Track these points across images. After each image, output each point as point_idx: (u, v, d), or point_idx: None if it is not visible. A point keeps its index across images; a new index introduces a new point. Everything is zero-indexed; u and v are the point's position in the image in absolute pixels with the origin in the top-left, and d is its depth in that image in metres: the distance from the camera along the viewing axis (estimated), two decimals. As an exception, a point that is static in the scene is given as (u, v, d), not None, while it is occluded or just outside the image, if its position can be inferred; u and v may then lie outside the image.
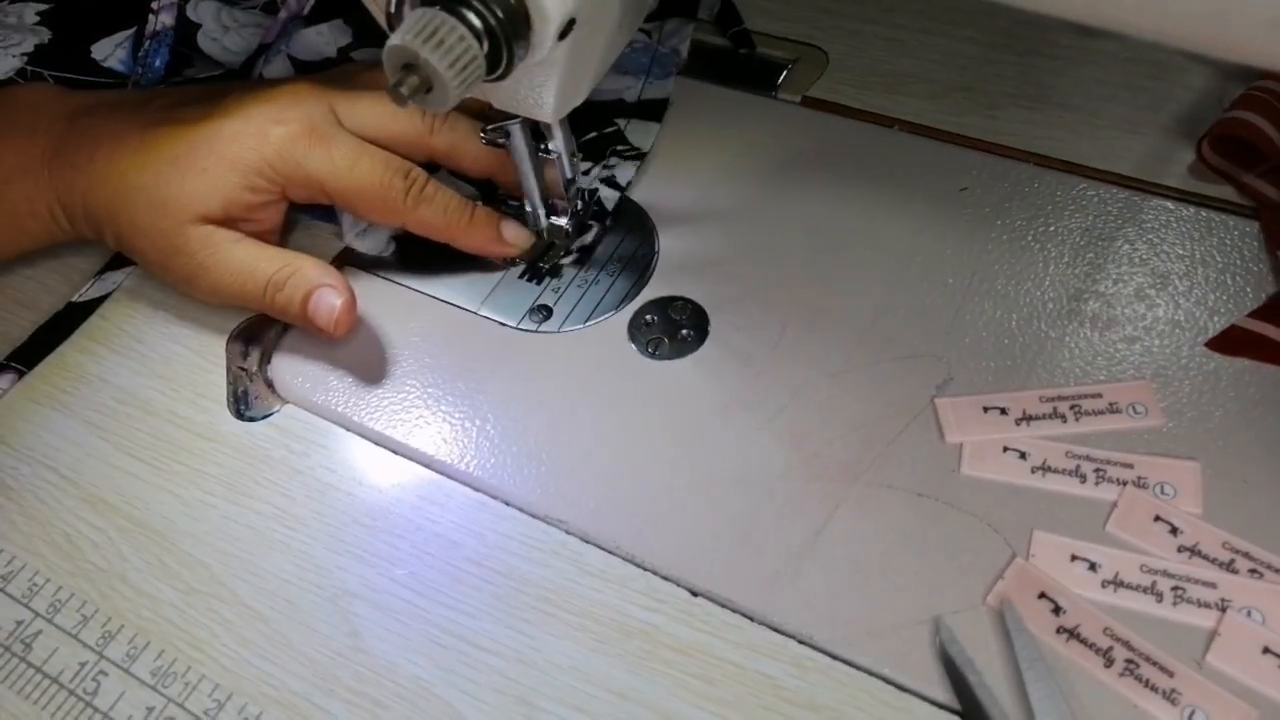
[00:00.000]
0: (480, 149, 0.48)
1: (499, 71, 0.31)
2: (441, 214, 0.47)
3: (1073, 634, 0.35)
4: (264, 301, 0.46)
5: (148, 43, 0.54)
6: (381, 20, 0.32)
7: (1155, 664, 0.34)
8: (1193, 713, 0.33)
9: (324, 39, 0.57)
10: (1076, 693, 0.34)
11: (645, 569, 0.39)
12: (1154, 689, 0.33)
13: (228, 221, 0.46)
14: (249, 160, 0.45)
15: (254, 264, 0.46)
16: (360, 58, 0.57)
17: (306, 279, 0.45)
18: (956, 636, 0.35)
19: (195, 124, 0.46)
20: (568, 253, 0.50)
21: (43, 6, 0.56)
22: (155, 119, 0.47)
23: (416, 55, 0.29)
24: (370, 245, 0.51)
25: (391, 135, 0.47)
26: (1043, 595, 0.36)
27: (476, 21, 0.30)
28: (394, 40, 0.29)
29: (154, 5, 0.54)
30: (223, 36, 0.57)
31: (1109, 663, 0.34)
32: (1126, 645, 0.34)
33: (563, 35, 0.32)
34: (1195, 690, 0.33)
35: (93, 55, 0.55)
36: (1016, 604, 0.36)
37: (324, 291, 0.45)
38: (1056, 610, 0.36)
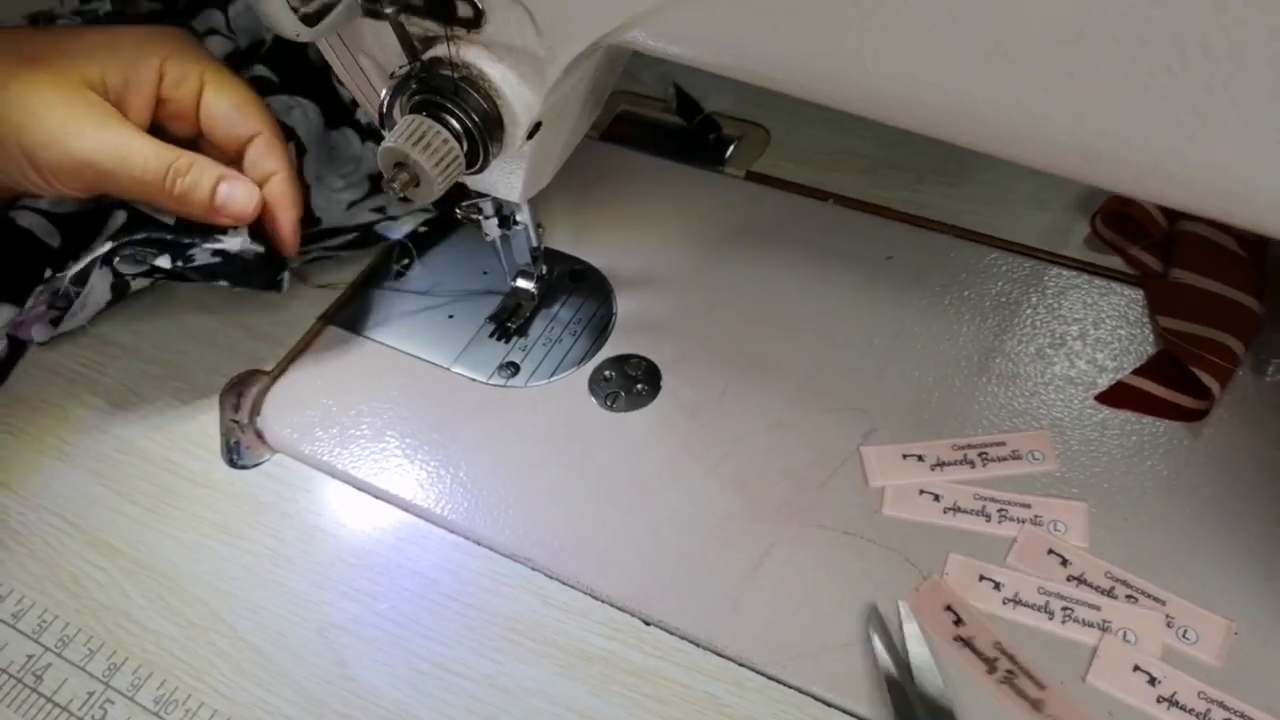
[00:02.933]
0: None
1: (477, 166, 0.36)
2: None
3: (967, 643, 0.40)
4: (164, 186, 0.46)
5: None
6: (376, 119, 0.37)
7: (1031, 678, 0.39)
8: (1054, 723, 0.38)
9: None
10: (960, 693, 0.39)
11: (603, 601, 0.44)
12: (1024, 697, 0.39)
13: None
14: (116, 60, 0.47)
15: (156, 146, 0.47)
16: None
17: (212, 167, 0.47)
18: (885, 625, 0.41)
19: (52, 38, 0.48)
20: (533, 312, 0.55)
21: None
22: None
23: (406, 156, 0.34)
24: None
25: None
26: (948, 608, 0.41)
27: (457, 125, 0.35)
28: (387, 143, 0.34)
29: None
30: None
31: (992, 670, 0.39)
32: (1011, 659, 0.40)
33: (530, 135, 0.37)
34: (1058, 704, 0.39)
35: None
36: (924, 613, 0.41)
37: (233, 181, 0.48)
38: (958, 621, 0.41)
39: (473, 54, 0.35)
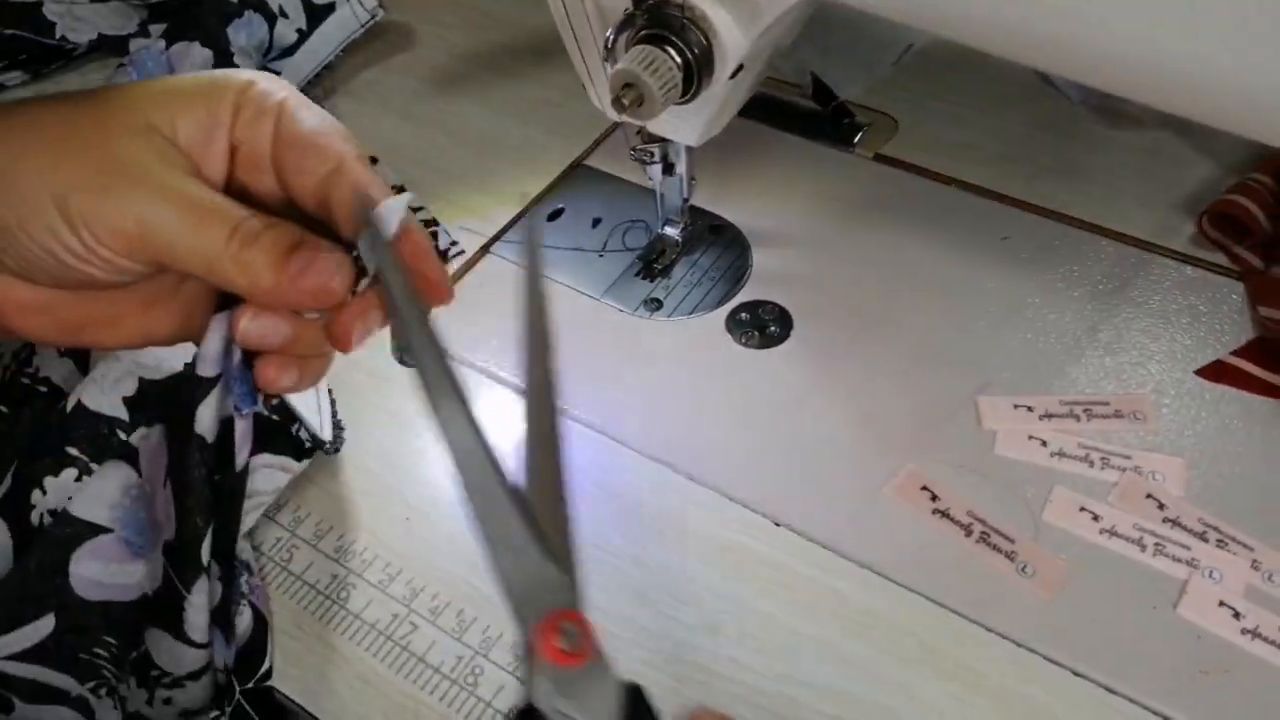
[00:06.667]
0: None
1: (688, 95, 0.42)
2: None
3: (945, 514, 0.48)
4: (225, 252, 0.32)
5: None
6: (580, 64, 0.43)
7: (1002, 534, 0.45)
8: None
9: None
10: (945, 556, 0.44)
11: (737, 502, 0.49)
12: (999, 551, 0.44)
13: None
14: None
15: (227, 201, 0.33)
16: None
17: (293, 229, 0.34)
18: None
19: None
20: (677, 257, 0.60)
21: None
22: None
23: (638, 77, 0.40)
24: None
25: None
26: (924, 488, 0.49)
27: (677, 57, 0.41)
28: (621, 65, 0.40)
29: None
30: None
31: (969, 534, 0.47)
32: (983, 522, 0.47)
33: (733, 75, 0.43)
34: (1028, 551, 0.43)
35: None
36: (906, 494, 0.47)
37: (316, 248, 0.34)
38: (934, 498, 0.48)
39: (697, -3, 0.41)
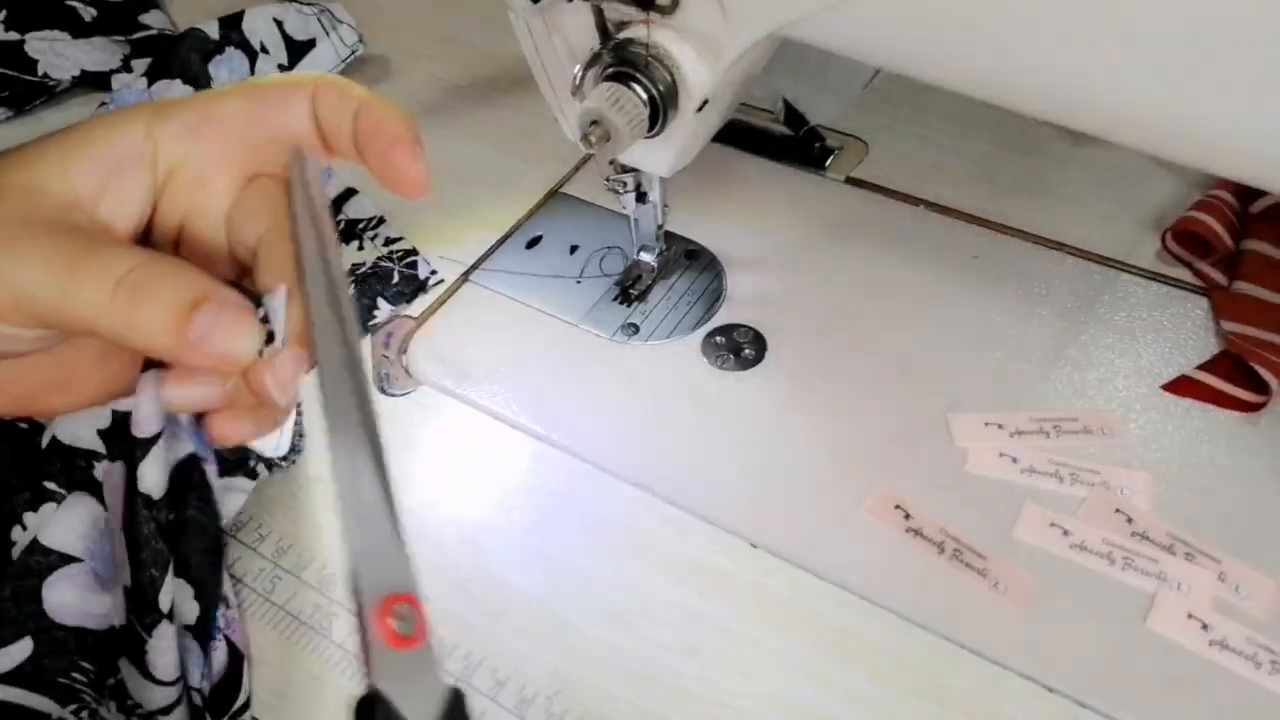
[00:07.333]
0: None
1: (655, 130, 0.43)
2: None
3: (917, 533, 0.48)
4: (110, 309, 0.28)
5: None
6: (551, 97, 0.44)
7: (974, 551, 0.47)
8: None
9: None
10: (919, 574, 0.44)
11: (713, 523, 0.50)
12: (971, 568, 0.46)
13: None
14: None
15: (114, 247, 0.29)
16: None
17: (194, 281, 0.29)
18: None
19: None
20: (653, 283, 0.61)
21: None
22: None
23: (604, 114, 0.41)
24: None
25: None
26: (897, 507, 0.49)
27: (643, 94, 0.42)
28: (587, 103, 0.41)
29: None
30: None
31: (941, 551, 0.48)
32: (955, 540, 0.48)
33: (699, 109, 0.44)
34: (999, 568, 0.44)
35: None
36: (878, 514, 0.48)
37: (224, 308, 0.29)
38: (907, 516, 0.49)
39: (661, 35, 0.42)
